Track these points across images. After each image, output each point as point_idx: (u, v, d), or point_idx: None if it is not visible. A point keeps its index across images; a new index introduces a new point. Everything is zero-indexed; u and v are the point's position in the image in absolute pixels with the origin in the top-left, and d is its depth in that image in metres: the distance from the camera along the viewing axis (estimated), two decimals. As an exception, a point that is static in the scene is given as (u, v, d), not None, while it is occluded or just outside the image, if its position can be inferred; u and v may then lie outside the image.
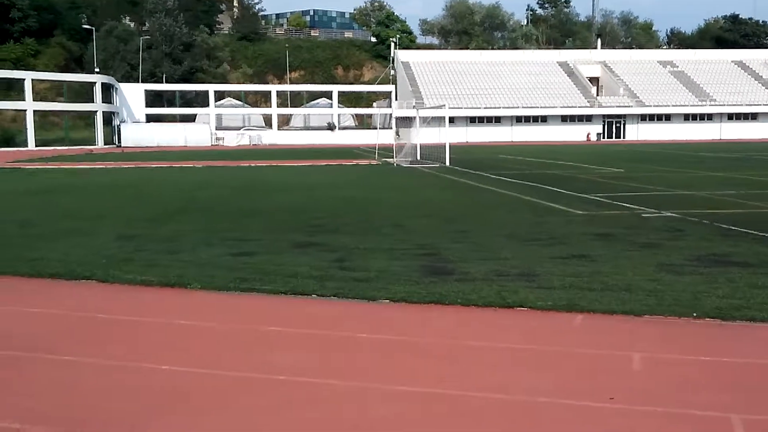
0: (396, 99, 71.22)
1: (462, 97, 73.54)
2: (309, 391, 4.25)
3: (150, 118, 67.08)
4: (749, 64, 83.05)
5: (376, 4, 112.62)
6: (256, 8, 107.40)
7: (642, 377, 4.54)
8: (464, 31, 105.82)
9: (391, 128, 61.73)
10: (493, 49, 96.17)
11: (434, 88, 75.63)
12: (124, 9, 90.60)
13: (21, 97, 57.52)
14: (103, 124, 61.78)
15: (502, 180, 20.87)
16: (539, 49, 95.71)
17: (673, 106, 74.33)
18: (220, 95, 72.20)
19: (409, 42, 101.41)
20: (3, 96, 60.81)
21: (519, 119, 74.08)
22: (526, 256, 8.49)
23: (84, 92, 62.63)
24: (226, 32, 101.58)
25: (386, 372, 4.60)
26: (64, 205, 15.22)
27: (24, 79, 57.93)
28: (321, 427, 3.78)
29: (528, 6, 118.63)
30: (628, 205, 13.76)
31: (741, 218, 11.62)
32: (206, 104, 68.91)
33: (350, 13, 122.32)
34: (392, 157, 31.73)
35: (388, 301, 6.36)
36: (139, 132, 63.23)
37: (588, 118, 74.62)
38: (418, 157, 32.28)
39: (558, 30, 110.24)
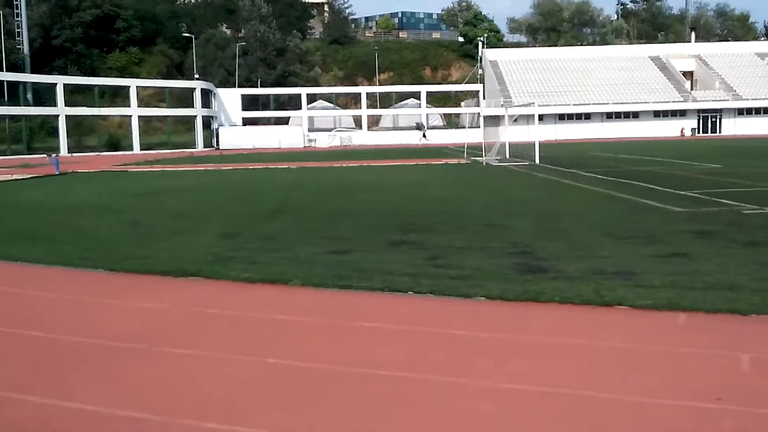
0: (484, 98, 70.72)
1: (551, 94, 72.33)
2: (412, 387, 4.33)
3: (246, 122, 69.23)
4: None
5: (464, 4, 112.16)
6: (346, 12, 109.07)
7: (751, 378, 4.40)
8: (552, 28, 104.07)
9: (479, 127, 61.36)
10: (582, 45, 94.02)
11: (522, 86, 74.69)
12: (221, 17, 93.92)
13: (126, 103, 60.51)
14: (203, 128, 64.26)
15: (594, 177, 20.43)
16: (630, 44, 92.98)
17: (771, 99, 70.84)
18: (311, 98, 73.73)
19: (496, 41, 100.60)
20: (110, 102, 64.06)
21: (609, 115, 72.23)
22: (623, 254, 8.33)
23: (184, 98, 65.30)
24: (318, 37, 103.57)
25: (486, 369, 4.63)
26: (169, 206, 15.92)
27: (129, 87, 60.91)
28: (426, 422, 3.84)
29: (618, 0, 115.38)
30: (727, 202, 13.25)
31: None
32: (299, 107, 70.51)
33: (438, 14, 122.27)
34: (481, 156, 31.55)
35: (484, 298, 6.37)
36: (236, 135, 65.32)
37: (682, 113, 72.00)
38: (507, 156, 31.97)
39: (650, 24, 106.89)
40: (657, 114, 72.26)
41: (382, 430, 3.72)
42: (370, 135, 69.89)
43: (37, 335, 5.64)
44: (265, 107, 74.22)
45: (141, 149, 58.73)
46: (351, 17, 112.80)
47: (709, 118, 72.28)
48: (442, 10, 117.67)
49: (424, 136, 65.00)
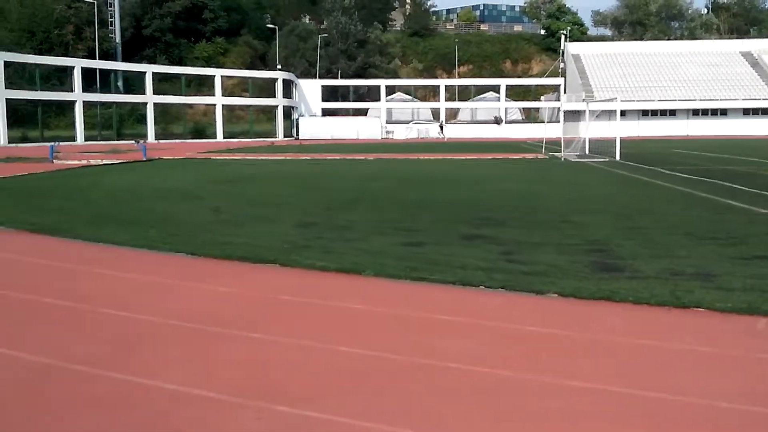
0: (565, 92, 69.38)
1: (634, 89, 70.35)
2: (481, 380, 4.37)
3: (325, 112, 70.11)
4: None
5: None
6: (428, 4, 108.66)
7: (834, 388, 4.25)
8: (639, 21, 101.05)
9: (559, 122, 60.24)
10: (669, 39, 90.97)
11: (605, 81, 72.90)
12: (304, 8, 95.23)
13: (211, 92, 62.21)
14: (283, 118, 65.50)
15: (676, 176, 19.82)
16: (720, 38, 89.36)
17: None
18: (390, 90, 73.96)
19: (580, 34, 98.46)
20: (196, 91, 65.98)
21: (696, 112, 69.72)
22: (703, 255, 8.10)
23: (267, 88, 66.62)
24: (398, 29, 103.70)
25: (557, 365, 4.62)
26: (249, 194, 16.33)
27: (214, 76, 62.59)
28: (493, 416, 3.88)
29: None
30: (822, 206, 12.65)
31: None
32: (378, 99, 70.90)
33: (520, 7, 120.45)
34: (560, 151, 31.03)
35: (556, 295, 6.33)
36: (316, 125, 66.24)
37: (773, 111, 68.81)
38: (587, 152, 31.31)
39: (742, 18, 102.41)
40: (746, 112, 69.32)
41: (450, 422, 3.77)
42: (447, 128, 69.61)
43: (119, 314, 5.92)
44: (345, 98, 74.92)
45: (224, 137, 60.31)
46: (432, 9, 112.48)
47: (804, 116, 68.99)
48: (525, 3, 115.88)
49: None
